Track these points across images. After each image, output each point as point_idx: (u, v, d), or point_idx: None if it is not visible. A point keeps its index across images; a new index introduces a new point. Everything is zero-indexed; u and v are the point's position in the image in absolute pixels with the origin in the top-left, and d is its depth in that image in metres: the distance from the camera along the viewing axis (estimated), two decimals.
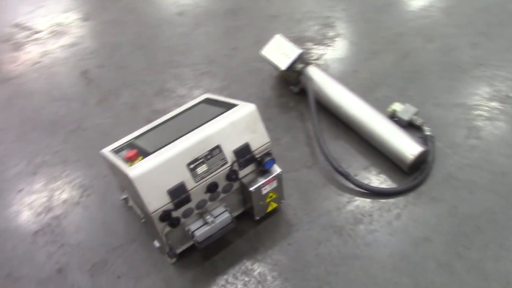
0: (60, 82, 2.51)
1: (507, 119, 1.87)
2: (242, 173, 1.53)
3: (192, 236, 1.48)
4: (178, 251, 1.57)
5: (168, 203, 1.40)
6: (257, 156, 1.52)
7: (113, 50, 2.66)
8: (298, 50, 2.00)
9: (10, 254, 1.72)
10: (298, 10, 2.67)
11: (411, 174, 1.73)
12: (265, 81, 2.26)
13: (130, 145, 1.60)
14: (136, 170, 1.35)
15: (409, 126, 1.88)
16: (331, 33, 2.45)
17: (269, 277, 1.53)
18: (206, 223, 1.50)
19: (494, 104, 1.94)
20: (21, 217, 1.84)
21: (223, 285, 1.53)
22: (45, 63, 2.66)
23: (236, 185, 1.55)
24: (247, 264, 1.58)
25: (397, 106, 1.91)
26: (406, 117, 1.87)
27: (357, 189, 1.72)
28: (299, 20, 2.60)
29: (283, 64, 2.02)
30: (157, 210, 1.39)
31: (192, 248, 1.57)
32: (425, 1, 2.59)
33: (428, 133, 1.81)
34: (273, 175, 1.55)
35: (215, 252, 1.62)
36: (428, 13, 2.49)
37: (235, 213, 1.64)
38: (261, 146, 1.52)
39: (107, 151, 1.63)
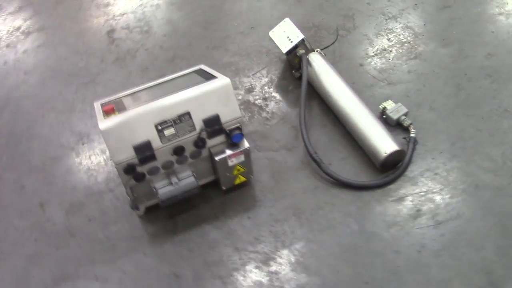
0: (88, 38, 2.67)
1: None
2: (211, 142, 1.60)
3: (156, 193, 1.58)
4: (145, 205, 1.68)
5: (133, 158, 1.50)
6: (227, 128, 1.58)
7: (141, 14, 2.77)
8: (300, 36, 2.02)
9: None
10: None
11: (384, 171, 1.73)
12: (272, 62, 2.30)
13: (116, 101, 1.71)
14: (106, 123, 1.46)
15: (397, 126, 1.87)
16: (348, 25, 2.43)
17: (221, 244, 1.61)
18: (171, 183, 1.60)
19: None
20: None
21: (177, 243, 1.63)
22: (80, 19, 2.82)
23: (205, 153, 1.62)
24: (205, 229, 1.66)
25: (388, 104, 1.90)
26: (394, 116, 1.85)
27: (327, 177, 1.74)
28: (321, 6, 2.59)
29: (284, 48, 2.05)
30: (121, 162, 1.49)
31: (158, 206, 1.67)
32: None
33: (412, 135, 1.79)
34: (240, 149, 1.61)
35: (179, 213, 1.72)
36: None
37: (205, 180, 1.72)
38: (232, 120, 1.58)
39: (97, 103, 1.76)
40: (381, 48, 2.25)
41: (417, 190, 1.66)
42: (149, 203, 1.69)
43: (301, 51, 2.04)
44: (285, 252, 1.56)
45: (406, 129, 1.84)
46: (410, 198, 1.65)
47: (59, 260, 1.65)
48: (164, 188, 1.59)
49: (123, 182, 1.55)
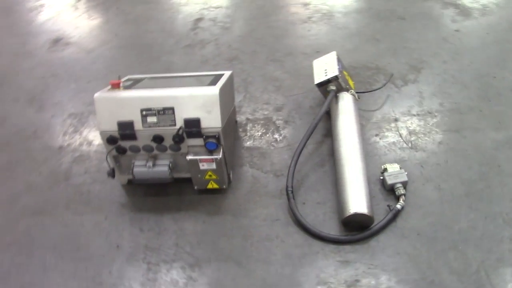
0: (178, 20, 2.93)
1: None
2: (191, 142, 1.69)
3: (132, 170, 1.74)
4: (128, 177, 1.85)
5: (116, 131, 1.67)
6: (205, 134, 1.66)
7: (233, 11, 2.95)
8: (335, 72, 1.98)
9: None
10: (407, 44, 2.53)
11: (348, 229, 1.64)
12: (314, 90, 2.28)
13: (135, 79, 1.90)
14: (101, 94, 1.65)
15: (392, 192, 1.74)
16: (410, 76, 2.28)
17: (167, 236, 1.70)
18: (146, 166, 1.74)
19: None
20: None
21: (135, 220, 1.77)
22: (178, 1, 3.11)
23: (184, 149, 1.73)
24: (164, 217, 1.77)
25: (392, 167, 1.78)
26: (390, 181, 1.73)
27: (291, 214, 1.71)
28: (395, 50, 2.46)
29: (318, 79, 2.03)
30: (105, 131, 1.67)
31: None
32: None
33: (398, 206, 1.66)
34: (212, 157, 1.68)
35: (152, 195, 1.86)
36: None
37: (182, 175, 1.82)
38: (211, 128, 1.65)
39: (125, 77, 1.97)
40: (427, 110, 2.09)
41: (369, 262, 1.55)
42: (128, 176, 1.85)
43: (331, 87, 2.00)
44: (214, 264, 1.59)
45: (397, 198, 1.71)
46: (357, 265, 1.54)
47: (44, 197, 1.91)
48: (139, 167, 1.74)
49: (106, 150, 1.74)
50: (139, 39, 2.77)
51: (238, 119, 2.18)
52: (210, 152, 1.69)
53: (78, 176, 1.99)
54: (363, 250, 1.59)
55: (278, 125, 2.12)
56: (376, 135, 1.99)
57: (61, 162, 2.06)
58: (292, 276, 1.54)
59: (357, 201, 1.61)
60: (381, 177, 1.77)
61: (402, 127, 2.02)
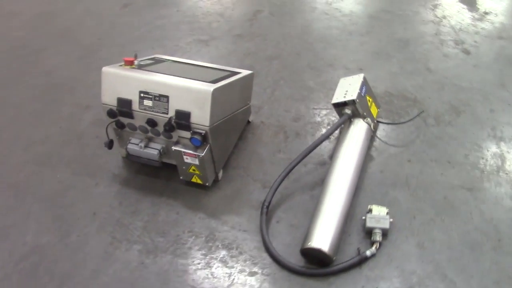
0: (237, 9, 2.94)
1: None
2: (182, 133, 1.71)
3: (126, 145, 1.81)
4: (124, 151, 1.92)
5: (115, 106, 1.74)
6: (192, 129, 1.67)
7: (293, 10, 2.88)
8: (353, 96, 1.87)
9: None
10: (459, 81, 2.31)
11: (308, 261, 1.57)
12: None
13: (158, 59, 1.97)
14: (109, 68, 1.72)
15: (368, 234, 1.63)
16: (447, 117, 2.07)
17: (140, 217, 1.75)
18: (138, 145, 1.80)
19: None
20: None
21: (119, 194, 1.84)
22: None
23: (175, 138, 1.75)
24: (145, 198, 1.82)
25: (378, 210, 1.66)
26: (370, 223, 1.62)
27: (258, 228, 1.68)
28: (442, 86, 2.25)
29: (335, 99, 1.94)
30: (107, 104, 1.75)
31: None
32: None
33: (368, 252, 1.56)
34: (194, 152, 1.68)
35: (143, 174, 1.92)
36: None
37: (174, 162, 1.85)
38: (199, 124, 1.65)
39: (152, 55, 2.04)
40: (447, 160, 1.90)
41: None
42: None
43: (347, 111, 1.90)
44: (169, 257, 1.61)
45: (372, 243, 1.60)
46: None
47: (54, 150, 2.05)
48: (133, 145, 1.80)
49: (106, 122, 1.82)
50: (199, 23, 2.81)
51: (252, 119, 2.16)
52: (196, 148, 1.70)
53: (89, 138, 2.10)
54: (315, 287, 1.51)
55: (287, 136, 2.07)
56: (381, 171, 1.86)
57: (82, 121, 2.20)
58: (232, 284, 1.52)
59: (321, 236, 1.53)
60: (363, 217, 1.66)
61: (411, 171, 1.86)
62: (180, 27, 2.87)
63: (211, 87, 1.63)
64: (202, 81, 1.68)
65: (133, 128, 1.78)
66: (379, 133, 2.05)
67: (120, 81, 1.71)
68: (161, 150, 1.79)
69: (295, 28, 2.75)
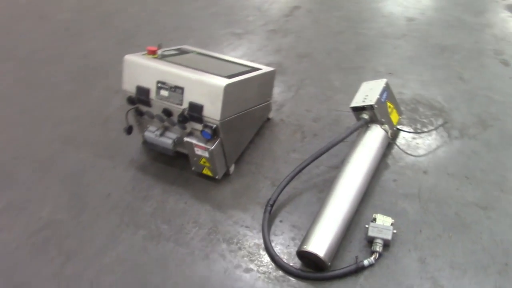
0: (276, 4, 2.93)
1: None
2: (195, 125, 1.75)
3: (143, 132, 1.87)
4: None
5: (134, 94, 1.80)
6: (204, 122, 1.70)
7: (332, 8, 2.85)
8: (372, 101, 1.83)
9: None
10: (491, 93, 2.20)
11: (303, 264, 1.57)
12: None
13: (184, 50, 2.01)
14: (131, 57, 1.79)
15: (370, 243, 1.61)
16: (473, 131, 1.98)
17: (148, 203, 1.81)
18: (155, 134, 1.86)
19: None
20: None
21: (133, 179, 1.91)
22: None
23: (189, 129, 1.79)
24: (157, 184, 1.88)
25: (383, 219, 1.62)
26: (372, 233, 1.59)
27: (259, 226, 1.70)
28: (473, 98, 2.15)
29: (354, 103, 1.90)
30: (127, 91, 1.81)
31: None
32: None
33: (366, 262, 1.53)
34: (204, 145, 1.72)
35: (158, 162, 1.98)
36: None
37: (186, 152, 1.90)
38: (211, 118, 1.68)
39: (182, 46, 2.10)
40: (465, 175, 1.82)
41: None
42: None
43: (364, 116, 1.86)
44: (171, 245, 1.66)
45: (372, 253, 1.58)
46: None
47: (79, 131, 2.15)
48: (149, 133, 1.86)
49: (126, 109, 1.88)
50: (236, 19, 2.84)
51: (272, 117, 2.16)
52: (206, 141, 1.73)
53: (115, 122, 2.19)
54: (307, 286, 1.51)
55: (305, 136, 2.06)
56: (394, 180, 1.82)
57: (110, 105, 2.29)
58: (234, 284, 1.54)
59: (318, 240, 1.52)
60: (367, 225, 1.64)
61: (426, 184, 1.80)
62: (217, 19, 2.90)
63: (225, 82, 1.64)
64: (217, 75, 1.70)
65: (151, 116, 1.83)
66: (399, 141, 2.00)
67: (140, 70, 1.76)
68: (175, 140, 1.83)
69: (330, 27, 2.72)
